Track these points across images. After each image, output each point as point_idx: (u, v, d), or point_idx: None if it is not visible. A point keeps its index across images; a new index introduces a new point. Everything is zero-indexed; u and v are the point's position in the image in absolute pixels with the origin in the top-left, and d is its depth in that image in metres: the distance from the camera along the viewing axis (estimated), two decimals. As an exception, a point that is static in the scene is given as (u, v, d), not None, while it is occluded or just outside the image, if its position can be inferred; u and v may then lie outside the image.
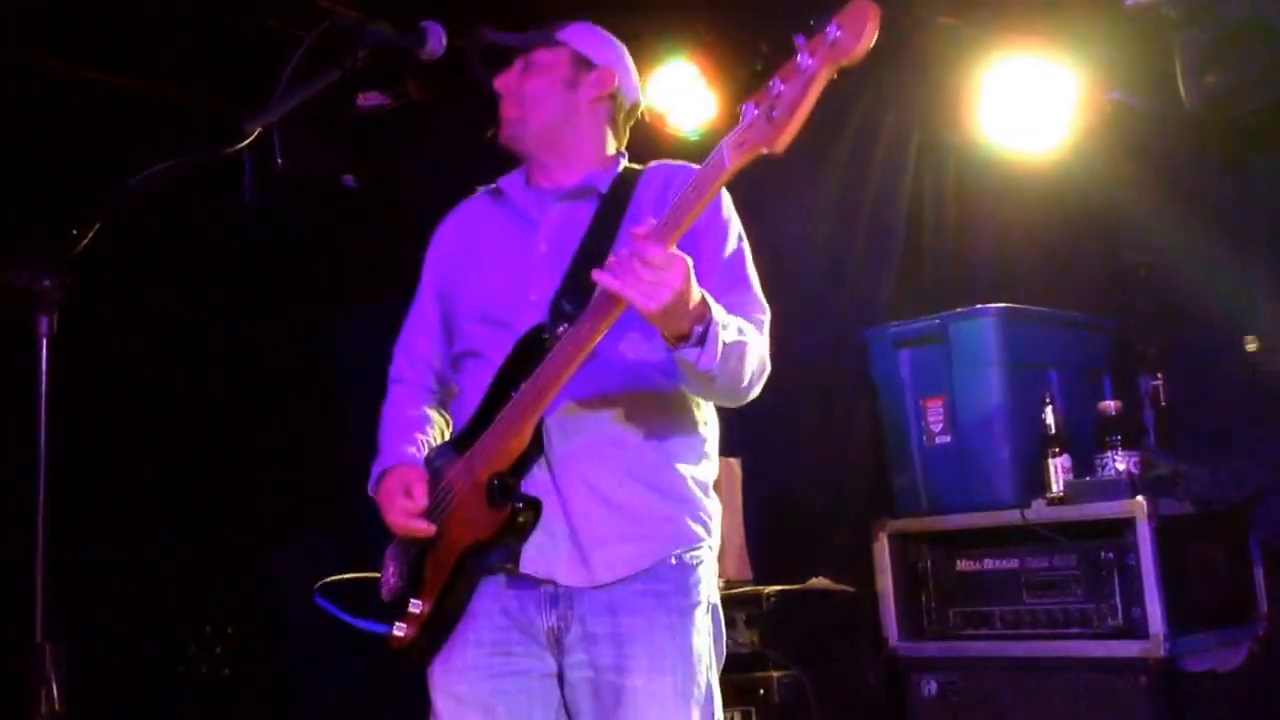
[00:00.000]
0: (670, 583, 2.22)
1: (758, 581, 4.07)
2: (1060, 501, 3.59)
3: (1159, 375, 3.88)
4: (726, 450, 2.55)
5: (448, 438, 2.46)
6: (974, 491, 3.76)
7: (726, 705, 2.70)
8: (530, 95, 2.41)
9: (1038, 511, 3.58)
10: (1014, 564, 3.62)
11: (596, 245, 2.27)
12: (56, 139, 4.78)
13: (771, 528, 4.41)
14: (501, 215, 2.47)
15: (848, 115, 4.59)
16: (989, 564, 3.67)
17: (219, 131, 2.24)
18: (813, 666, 3.78)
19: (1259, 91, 3.58)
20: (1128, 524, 3.39)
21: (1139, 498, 3.40)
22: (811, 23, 1.77)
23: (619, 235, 2.28)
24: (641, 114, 2.58)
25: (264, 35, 4.41)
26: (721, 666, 2.32)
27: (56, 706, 1.92)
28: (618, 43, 2.53)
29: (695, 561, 2.27)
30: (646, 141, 2.75)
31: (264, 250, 5.50)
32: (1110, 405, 3.71)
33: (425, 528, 2.25)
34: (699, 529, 2.28)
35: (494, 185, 2.52)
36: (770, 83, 1.82)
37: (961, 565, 3.73)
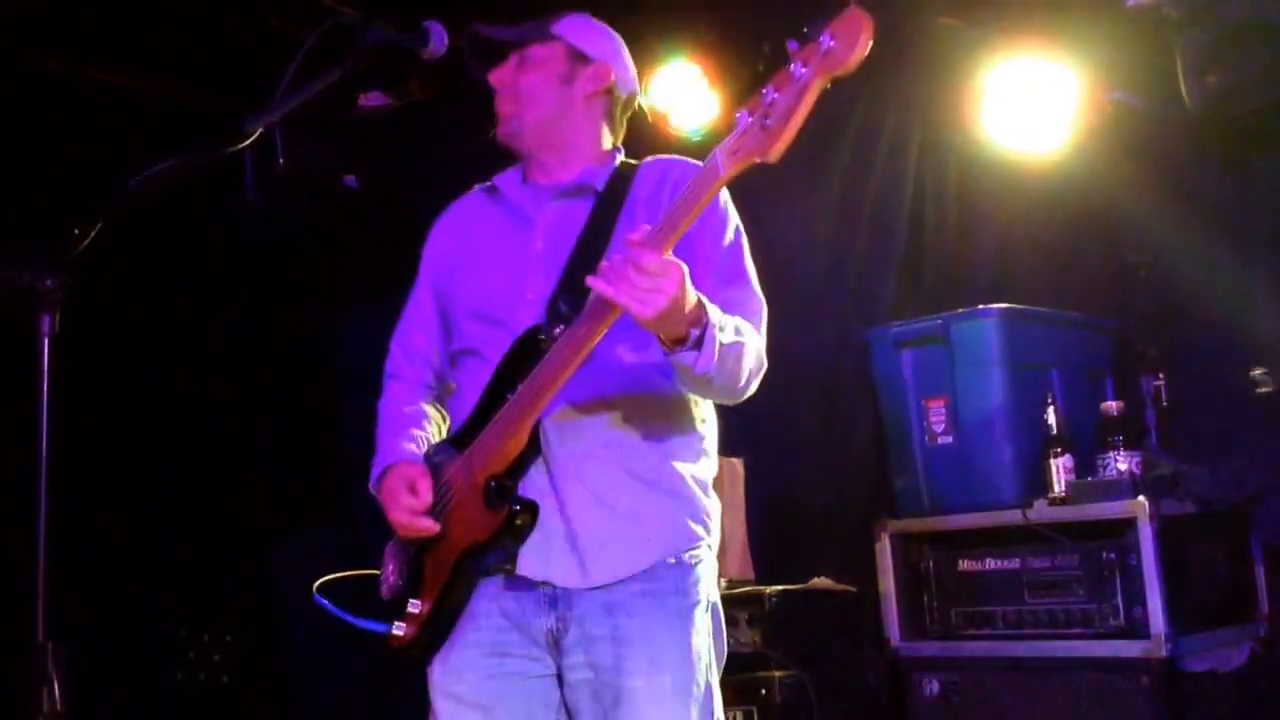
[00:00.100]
0: (669, 583, 2.21)
1: (759, 581, 4.07)
2: (1062, 501, 3.58)
3: (1160, 375, 3.88)
4: (728, 450, 2.55)
5: (445, 434, 2.45)
6: (976, 491, 3.76)
7: (728, 705, 2.70)
8: (525, 91, 2.39)
9: (1039, 511, 3.58)
10: (1016, 564, 3.61)
11: (592, 243, 2.26)
12: (57, 139, 4.78)
13: (773, 528, 4.41)
14: (497, 213, 2.46)
15: (849, 116, 4.59)
16: (990, 564, 3.67)
17: (220, 131, 2.23)
18: (814, 666, 3.79)
19: (1260, 92, 3.58)
20: (1129, 524, 3.39)
21: (1140, 498, 3.40)
22: (805, 29, 1.75)
23: (615, 233, 2.27)
24: (643, 114, 2.56)
25: (265, 35, 4.40)
26: (722, 666, 2.31)
27: (58, 706, 1.92)
28: (614, 34, 2.50)
29: (694, 561, 2.26)
30: (648, 142, 2.75)
31: (265, 250, 5.50)
32: (1112, 405, 3.70)
33: (430, 526, 2.24)
34: (698, 528, 2.27)
35: (489, 183, 2.50)
36: (764, 90, 1.81)
37: (963, 565, 3.73)
